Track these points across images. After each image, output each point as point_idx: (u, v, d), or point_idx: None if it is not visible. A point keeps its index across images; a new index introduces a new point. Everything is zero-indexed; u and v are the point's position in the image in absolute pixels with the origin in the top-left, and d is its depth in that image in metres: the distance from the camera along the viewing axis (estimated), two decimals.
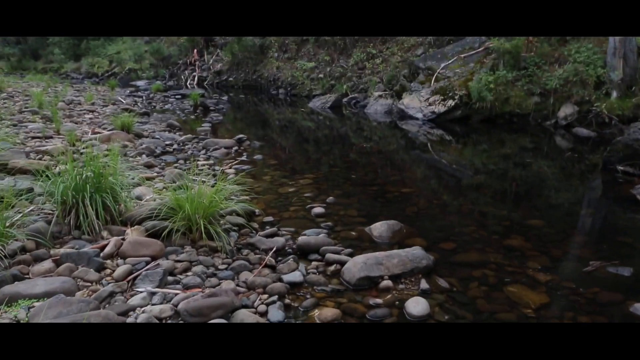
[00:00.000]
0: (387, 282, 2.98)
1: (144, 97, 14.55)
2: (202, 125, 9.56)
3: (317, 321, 2.60)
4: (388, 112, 11.46)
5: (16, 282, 2.69)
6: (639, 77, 8.74)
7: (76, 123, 8.60)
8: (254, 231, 3.80)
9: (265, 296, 2.78)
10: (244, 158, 6.61)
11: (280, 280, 2.98)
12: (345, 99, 13.30)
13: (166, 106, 12.90)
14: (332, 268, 3.20)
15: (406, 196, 5.07)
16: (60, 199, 3.32)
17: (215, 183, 3.63)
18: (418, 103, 10.63)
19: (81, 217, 3.34)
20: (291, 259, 3.27)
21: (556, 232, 4.00)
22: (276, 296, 2.77)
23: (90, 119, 9.34)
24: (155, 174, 5.28)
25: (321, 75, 15.24)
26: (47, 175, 3.54)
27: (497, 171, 6.39)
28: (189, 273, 2.98)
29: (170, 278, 2.89)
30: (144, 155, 6.28)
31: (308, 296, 2.87)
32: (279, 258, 3.35)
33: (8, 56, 29.66)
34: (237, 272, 3.06)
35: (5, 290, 2.56)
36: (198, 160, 6.26)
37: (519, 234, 3.93)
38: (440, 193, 5.40)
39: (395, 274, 3.05)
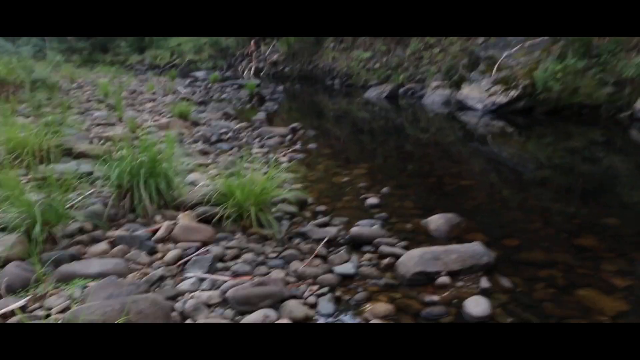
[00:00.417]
0: (444, 279, 2.80)
1: (202, 87, 14.88)
2: (257, 114, 9.61)
3: (370, 316, 2.47)
4: (446, 103, 11.06)
5: (73, 262, 2.75)
6: None
7: (137, 111, 8.89)
8: (305, 220, 3.71)
9: (316, 287, 2.68)
10: (297, 147, 6.55)
11: (332, 271, 2.87)
12: (401, 90, 12.98)
13: (223, 96, 13.11)
14: (385, 261, 3.05)
15: (465, 189, 4.82)
16: (116, 182, 3.37)
17: (268, 170, 3.57)
18: (478, 93, 10.17)
19: (135, 201, 3.38)
20: (343, 250, 3.15)
21: (634, 232, 3.64)
22: (327, 288, 2.67)
23: (151, 107, 9.63)
24: (210, 161, 5.32)
25: (377, 65, 14.96)
26: (104, 160, 3.61)
27: (563, 166, 5.96)
28: (239, 260, 2.93)
29: (219, 264, 2.85)
30: (199, 143, 6.37)
31: (360, 289, 2.74)
32: (331, 248, 3.24)
33: (80, 50, 31.38)
34: (287, 261, 2.98)
35: (63, 269, 2.62)
36: (252, 148, 6.27)
37: (591, 233, 3.60)
38: (501, 187, 5.09)
39: (454, 270, 2.86)
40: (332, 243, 3.33)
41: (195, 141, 6.44)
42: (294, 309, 2.38)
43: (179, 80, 16.55)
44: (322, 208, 4.04)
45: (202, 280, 2.64)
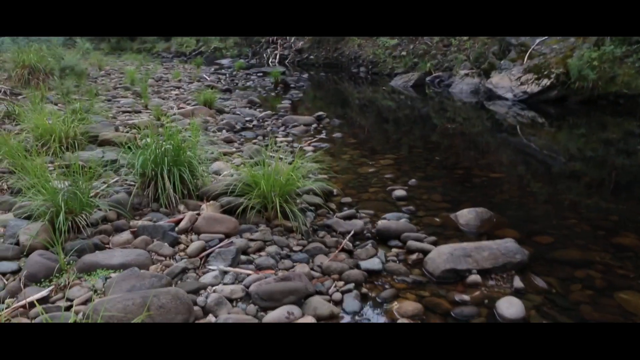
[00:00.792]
0: (475, 277, 2.68)
1: (227, 75, 14.85)
2: (282, 102, 9.53)
3: (397, 316, 2.38)
4: (474, 91, 10.75)
5: (96, 252, 2.73)
6: None
7: (163, 99, 8.90)
8: (331, 212, 3.62)
9: (341, 283, 2.59)
10: (322, 136, 6.45)
11: (358, 266, 2.78)
12: (428, 78, 12.69)
13: (248, 83, 13.05)
14: (413, 257, 2.94)
15: (495, 182, 4.65)
16: (140, 170, 3.34)
17: (293, 160, 3.48)
18: (508, 82, 9.85)
19: (159, 190, 3.34)
20: (370, 244, 3.05)
21: None
22: (352, 284, 2.58)
23: (176, 94, 9.64)
24: (234, 149, 5.26)
25: (404, 53, 14.66)
26: (129, 147, 3.58)
27: (598, 158, 5.70)
28: (262, 253, 2.87)
29: (243, 257, 2.79)
30: (224, 131, 6.32)
31: (387, 286, 2.65)
32: (357, 242, 3.15)
33: (108, 38, 31.79)
34: (312, 255, 2.90)
35: (86, 259, 2.59)
36: (277, 137, 6.20)
37: (632, 231, 3.41)
38: (532, 180, 4.89)
39: (485, 268, 2.74)
40: (358, 237, 3.23)
41: (220, 129, 6.40)
42: (319, 306, 2.30)
43: (204, 67, 16.56)
44: (347, 200, 3.95)
45: (224, 273, 2.58)
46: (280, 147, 5.44)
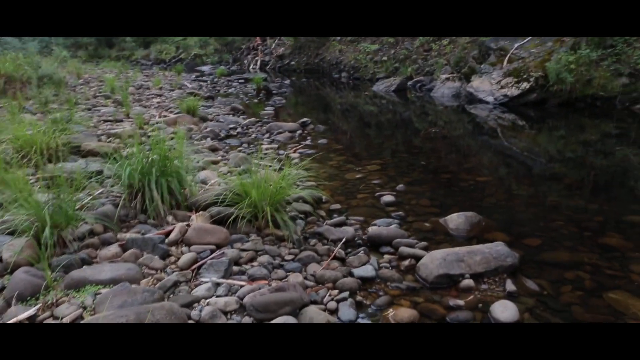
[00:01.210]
0: (468, 282, 2.69)
1: (208, 82, 14.77)
2: (265, 108, 9.50)
3: (392, 322, 2.37)
4: (456, 95, 10.89)
5: (84, 267, 2.66)
6: None
7: (145, 107, 8.80)
8: (321, 219, 3.61)
9: (336, 292, 2.58)
10: (308, 142, 6.44)
11: (351, 274, 2.77)
12: (410, 82, 12.80)
13: (230, 90, 13.00)
14: (406, 263, 2.95)
15: (482, 185, 4.69)
16: (127, 182, 3.28)
17: (281, 168, 3.46)
18: (489, 86, 10.00)
19: (147, 201, 3.29)
20: (362, 251, 3.04)
21: None
22: (347, 292, 2.57)
23: (158, 102, 9.54)
24: (220, 158, 5.22)
25: (385, 58, 14.77)
26: (114, 158, 3.52)
27: (579, 159, 5.81)
28: (255, 263, 2.84)
29: (235, 268, 2.75)
30: (208, 139, 6.27)
31: (381, 293, 2.64)
32: (349, 250, 3.14)
33: (86, 45, 31.30)
34: (305, 263, 2.88)
35: (74, 275, 2.53)
36: (262, 144, 6.16)
37: (617, 231, 3.48)
38: (518, 182, 4.96)
39: (478, 273, 2.76)
40: (349, 244, 3.23)
41: (204, 137, 6.34)
42: (315, 316, 2.28)
43: (185, 74, 16.44)
44: (336, 206, 3.94)
45: (218, 285, 2.55)
46: (266, 154, 5.41)
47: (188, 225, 3.12)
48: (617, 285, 2.75)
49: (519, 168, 5.64)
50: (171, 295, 2.45)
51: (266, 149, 5.84)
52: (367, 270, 2.80)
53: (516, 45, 10.54)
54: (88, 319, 1.97)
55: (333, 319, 2.34)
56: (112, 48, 30.77)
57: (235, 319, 2.30)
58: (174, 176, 3.42)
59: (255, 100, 11.12)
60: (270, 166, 3.50)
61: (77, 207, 3.10)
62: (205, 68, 19.63)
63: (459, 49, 12.55)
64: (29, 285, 2.40)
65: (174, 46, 25.41)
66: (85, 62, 20.97)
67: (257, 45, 20.71)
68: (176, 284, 2.54)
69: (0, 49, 14.28)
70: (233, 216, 3.14)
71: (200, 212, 3.30)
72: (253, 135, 6.86)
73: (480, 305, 2.54)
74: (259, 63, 19.68)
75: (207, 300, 2.40)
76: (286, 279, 2.66)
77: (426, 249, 3.11)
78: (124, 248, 2.88)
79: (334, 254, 2.97)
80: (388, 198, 4.07)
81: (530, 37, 10.46)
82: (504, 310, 2.41)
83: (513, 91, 9.52)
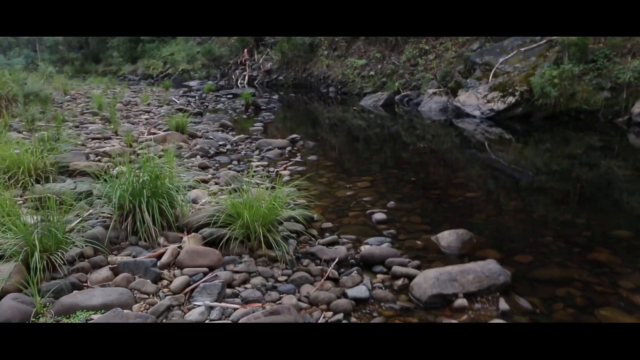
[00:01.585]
0: (461, 301, 2.70)
1: (196, 97, 14.76)
2: (254, 124, 9.51)
3: None
4: (443, 109, 11.02)
5: (75, 292, 2.62)
6: None
7: (133, 124, 8.75)
8: (313, 238, 3.61)
9: (330, 314, 2.57)
10: (298, 159, 6.45)
11: (345, 295, 2.77)
12: (397, 97, 12.94)
13: (218, 106, 13.00)
14: (399, 282, 2.95)
15: (472, 201, 4.73)
16: (117, 203, 3.25)
17: (273, 187, 3.46)
18: (475, 100, 10.14)
19: (138, 223, 3.26)
20: (355, 271, 3.04)
21: None
22: (341, 314, 2.56)
23: (146, 119, 9.50)
24: (210, 176, 5.20)
25: (372, 73, 14.92)
26: (105, 179, 3.49)
27: (565, 173, 5.90)
28: (248, 285, 2.82)
29: (228, 290, 2.73)
30: (198, 156, 6.25)
31: (375, 314, 2.64)
32: (342, 269, 3.13)
33: (72, 60, 31.18)
34: (298, 284, 2.87)
35: (64, 301, 2.48)
36: (252, 161, 6.16)
37: (605, 246, 3.53)
38: (507, 198, 5.01)
39: (471, 292, 2.77)
40: (342, 263, 3.22)
41: (194, 155, 6.32)
42: None
43: (172, 90, 16.42)
44: (328, 225, 3.95)
45: (211, 308, 2.52)
46: (256, 172, 5.40)
47: (180, 248, 3.09)
48: (607, 302, 2.78)
49: (507, 182, 5.71)
50: (164, 320, 2.42)
51: (256, 167, 5.83)
52: (361, 291, 2.80)
53: (501, 60, 10.72)
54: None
55: None
56: (98, 63, 30.70)
57: None
58: (165, 197, 3.39)
59: (244, 116, 11.13)
60: (262, 184, 3.50)
61: (66, 230, 3.06)
62: (193, 83, 19.63)
63: (445, 63, 12.74)
64: (18, 312, 2.35)
65: (162, 61, 25.42)
66: (72, 78, 20.87)
67: (245, 60, 20.77)
68: (169, 308, 2.51)
69: None
70: (225, 237, 3.12)
71: (192, 234, 3.28)
72: (242, 152, 6.85)
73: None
74: (246, 78, 19.73)
75: None
76: (280, 301, 2.65)
77: (419, 267, 3.13)
78: (115, 272, 2.85)
79: (327, 274, 2.97)
80: (379, 216, 4.09)
81: (515, 52, 10.66)
82: None
83: (499, 105, 9.66)
